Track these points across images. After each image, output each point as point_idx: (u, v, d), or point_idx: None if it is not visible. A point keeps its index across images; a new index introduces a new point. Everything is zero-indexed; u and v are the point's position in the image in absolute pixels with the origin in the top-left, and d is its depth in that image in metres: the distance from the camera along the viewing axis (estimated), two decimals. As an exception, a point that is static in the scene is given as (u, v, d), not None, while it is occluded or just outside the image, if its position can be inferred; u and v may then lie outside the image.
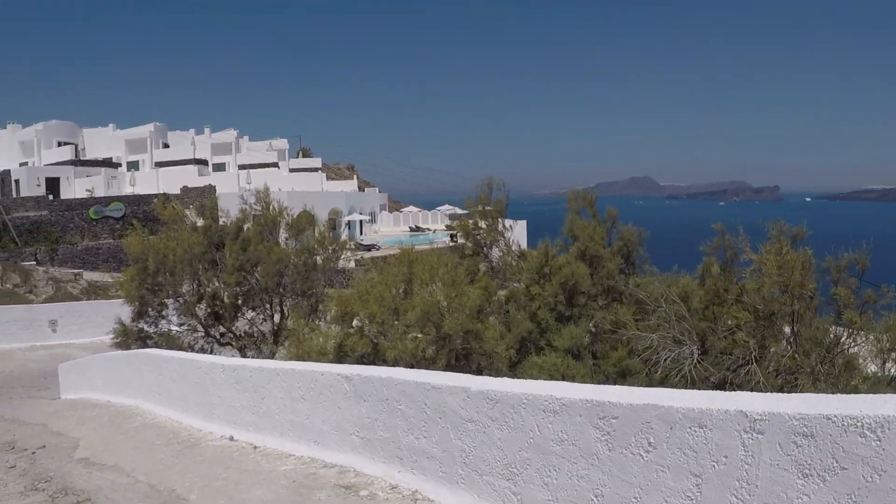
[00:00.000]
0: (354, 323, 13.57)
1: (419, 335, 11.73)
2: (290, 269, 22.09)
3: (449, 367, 11.76)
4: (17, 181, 62.94)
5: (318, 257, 22.96)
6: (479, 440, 6.51)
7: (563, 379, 11.23)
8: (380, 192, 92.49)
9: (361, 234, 71.15)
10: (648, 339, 11.80)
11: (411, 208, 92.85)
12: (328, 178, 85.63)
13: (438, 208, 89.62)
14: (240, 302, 21.96)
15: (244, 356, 21.09)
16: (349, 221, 70.05)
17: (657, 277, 15.12)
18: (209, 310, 21.82)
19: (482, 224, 17.76)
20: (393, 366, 11.34)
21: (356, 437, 8.14)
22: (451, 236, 64.68)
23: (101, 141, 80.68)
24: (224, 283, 21.53)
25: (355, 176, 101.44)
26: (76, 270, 43.22)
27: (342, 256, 25.04)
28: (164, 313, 21.87)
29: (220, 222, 23.36)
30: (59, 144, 76.89)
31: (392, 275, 12.83)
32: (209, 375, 11.14)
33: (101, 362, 17.56)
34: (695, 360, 11.26)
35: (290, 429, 9.27)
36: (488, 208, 17.84)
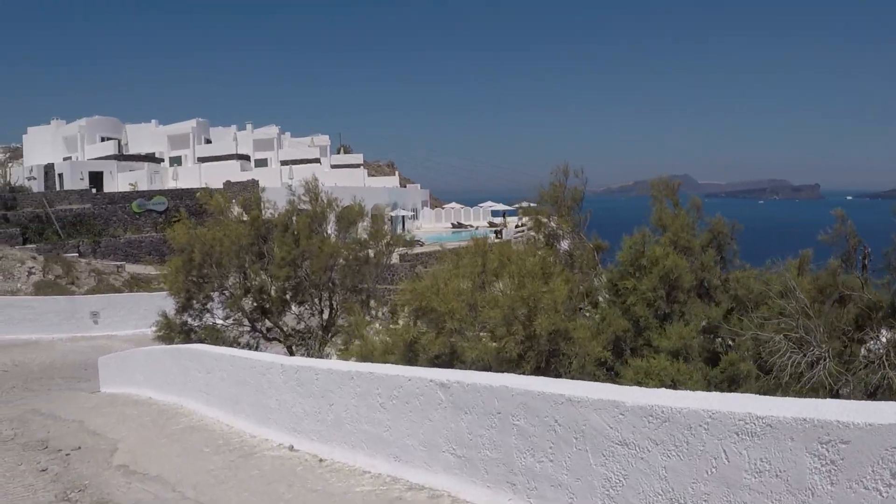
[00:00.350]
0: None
1: (505, 334, 10.25)
2: (340, 263, 20.91)
3: (538, 371, 10.32)
4: (60, 175, 62.67)
5: (369, 251, 21.69)
6: (633, 468, 5.07)
7: (674, 386, 9.75)
8: (421, 188, 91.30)
9: (404, 230, 69.84)
10: (770, 339, 10.26)
11: (454, 205, 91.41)
12: (369, 174, 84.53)
13: (481, 205, 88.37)
14: (288, 296, 20.71)
15: (291, 353, 19.99)
16: (392, 217, 68.75)
17: (752, 272, 13.63)
18: (255, 304, 20.62)
19: (553, 214, 16.31)
20: (470, 368, 9.93)
21: (451, 456, 6.70)
22: (496, 233, 63.43)
23: (144, 136, 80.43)
24: (272, 277, 20.30)
25: (396, 173, 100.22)
26: (119, 262, 42.30)
27: (394, 251, 23.72)
28: (208, 306, 20.75)
29: (267, 214, 22.17)
30: (102, 140, 76.68)
31: (469, 266, 11.39)
32: (266, 376, 9.75)
33: (142, 356, 16.28)
34: (828, 365, 9.72)
35: (364, 441, 7.84)
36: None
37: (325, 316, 21.42)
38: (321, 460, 8.35)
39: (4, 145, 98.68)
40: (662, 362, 10.12)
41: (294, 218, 21.42)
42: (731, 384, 11.08)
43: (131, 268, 41.74)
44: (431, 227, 79.14)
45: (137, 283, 37.59)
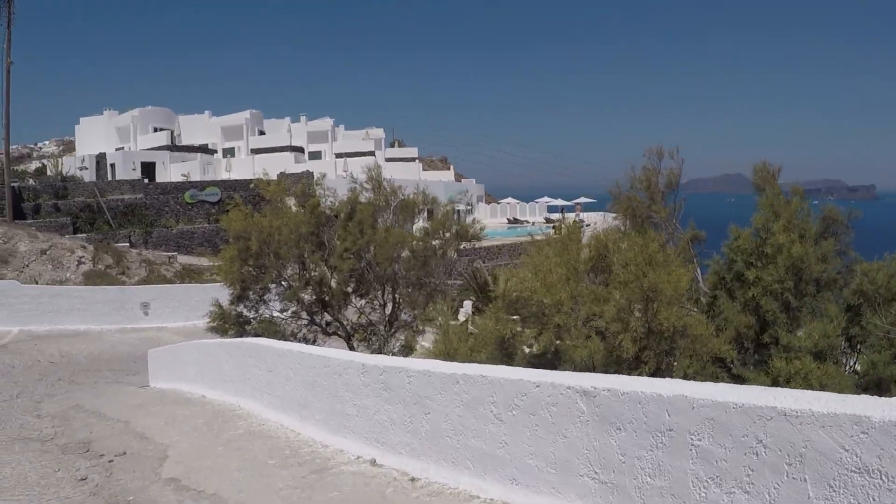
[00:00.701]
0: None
1: (620, 330, 8.70)
2: (405, 254, 19.61)
3: (657, 373, 8.79)
4: (112, 165, 62.11)
5: (436, 242, 20.36)
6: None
7: (823, 390, 8.15)
8: (476, 183, 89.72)
9: (460, 222, 68.20)
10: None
11: (509, 200, 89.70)
12: (423, 169, 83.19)
13: (537, 201, 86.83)
14: (350, 289, 19.38)
15: (351, 347, 18.75)
16: (446, 212, 67.19)
17: (879, 264, 11.97)
18: (315, 296, 19.33)
19: (645, 199, 14.77)
20: (577, 370, 8.42)
21: (592, 481, 5.21)
22: (555, 229, 61.62)
23: (197, 128, 79.68)
24: (333, 268, 19.00)
25: (451, 167, 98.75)
26: (170, 253, 41.30)
27: (461, 244, 22.35)
28: (265, 298, 19.54)
29: (327, 203, 20.87)
30: (155, 130, 76.10)
31: (573, 254, 9.87)
32: (342, 377, 8.26)
33: (195, 350, 14.94)
34: None
35: (469, 458, 6.35)
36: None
37: (388, 310, 20.20)
38: (413, 479, 6.85)
39: (58, 138, 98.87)
40: (808, 364, 8.52)
41: (357, 206, 20.15)
42: (878, 388, 9.49)
43: (183, 258, 40.77)
44: (487, 222, 77.09)
45: (189, 274, 36.57)
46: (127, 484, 8.39)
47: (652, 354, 8.71)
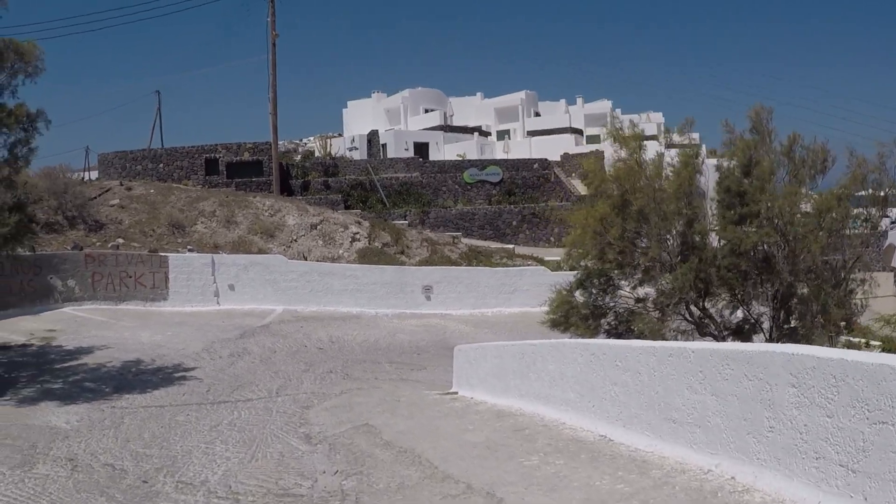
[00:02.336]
0: None
1: None
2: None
3: None
4: (384, 145, 60.23)
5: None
6: None
7: None
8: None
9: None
10: None
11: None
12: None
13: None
14: (752, 270, 13.86)
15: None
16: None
17: None
18: (696, 281, 13.83)
19: None
20: None
21: None
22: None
23: (469, 109, 77.03)
24: (735, 243, 13.42)
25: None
26: (454, 233, 37.04)
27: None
28: (617, 282, 14.37)
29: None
30: (426, 111, 73.79)
31: None
32: None
33: (579, 353, 9.12)
34: None
35: None
36: None
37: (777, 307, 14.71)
38: None
39: (321, 134, 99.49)
40: None
41: (756, 159, 14.52)
42: None
43: (466, 240, 36.41)
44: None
45: (476, 256, 31.92)
46: None
47: None
